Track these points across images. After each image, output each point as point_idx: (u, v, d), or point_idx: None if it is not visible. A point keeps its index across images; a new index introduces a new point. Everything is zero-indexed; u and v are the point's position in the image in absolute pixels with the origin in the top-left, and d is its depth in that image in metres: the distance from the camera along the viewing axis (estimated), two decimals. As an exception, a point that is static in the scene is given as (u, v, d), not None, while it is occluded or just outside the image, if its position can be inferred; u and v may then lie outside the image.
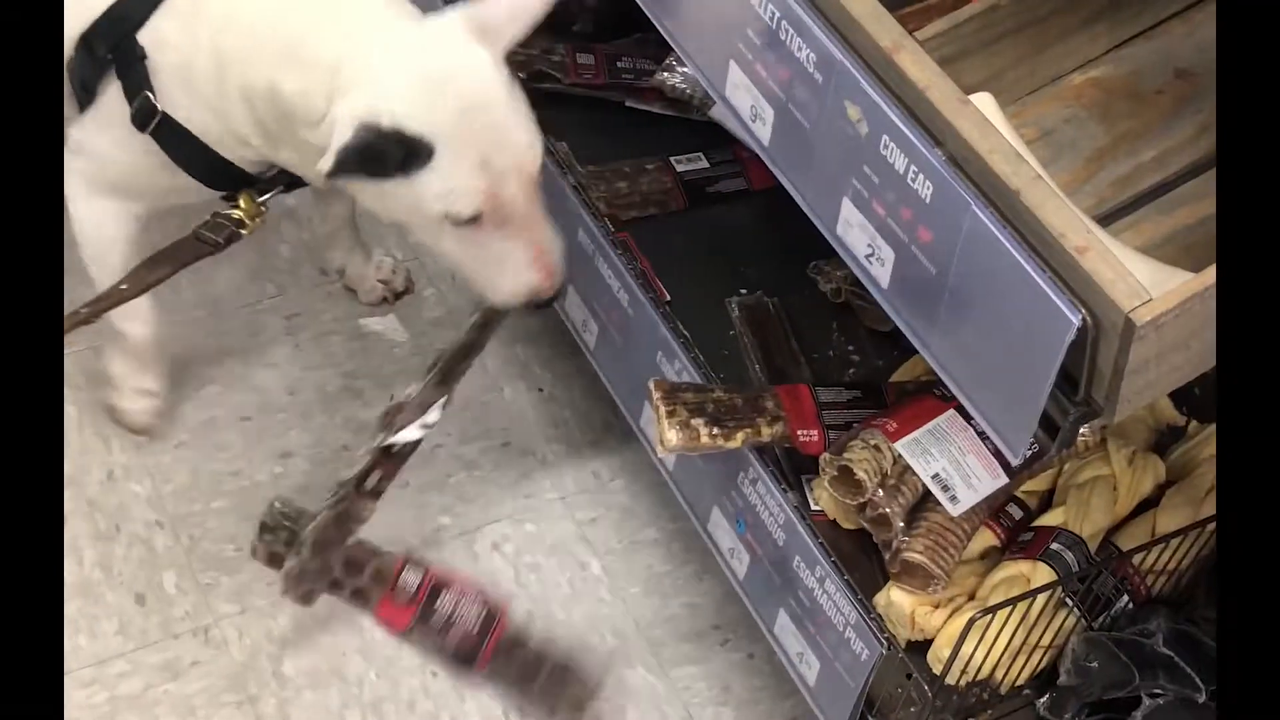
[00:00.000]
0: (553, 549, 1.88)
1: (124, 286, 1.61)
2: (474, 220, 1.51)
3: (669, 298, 1.77)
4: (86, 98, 1.60)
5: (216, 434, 1.89)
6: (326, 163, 1.44)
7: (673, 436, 1.51)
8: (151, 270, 1.62)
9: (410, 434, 1.68)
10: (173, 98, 1.55)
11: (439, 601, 1.64)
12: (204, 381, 1.95)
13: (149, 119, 1.56)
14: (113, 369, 1.86)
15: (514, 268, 1.57)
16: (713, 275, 1.84)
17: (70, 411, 1.89)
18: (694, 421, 1.52)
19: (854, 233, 1.28)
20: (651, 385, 1.53)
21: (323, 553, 1.63)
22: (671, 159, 1.96)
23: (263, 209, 1.65)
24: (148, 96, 1.54)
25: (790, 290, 1.83)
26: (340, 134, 1.44)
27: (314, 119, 1.48)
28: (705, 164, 1.96)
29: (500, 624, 1.65)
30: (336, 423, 1.95)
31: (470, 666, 1.64)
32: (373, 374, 2.01)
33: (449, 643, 1.63)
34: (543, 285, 1.58)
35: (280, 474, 1.88)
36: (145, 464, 1.85)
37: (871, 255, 1.27)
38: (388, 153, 1.45)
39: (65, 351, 1.92)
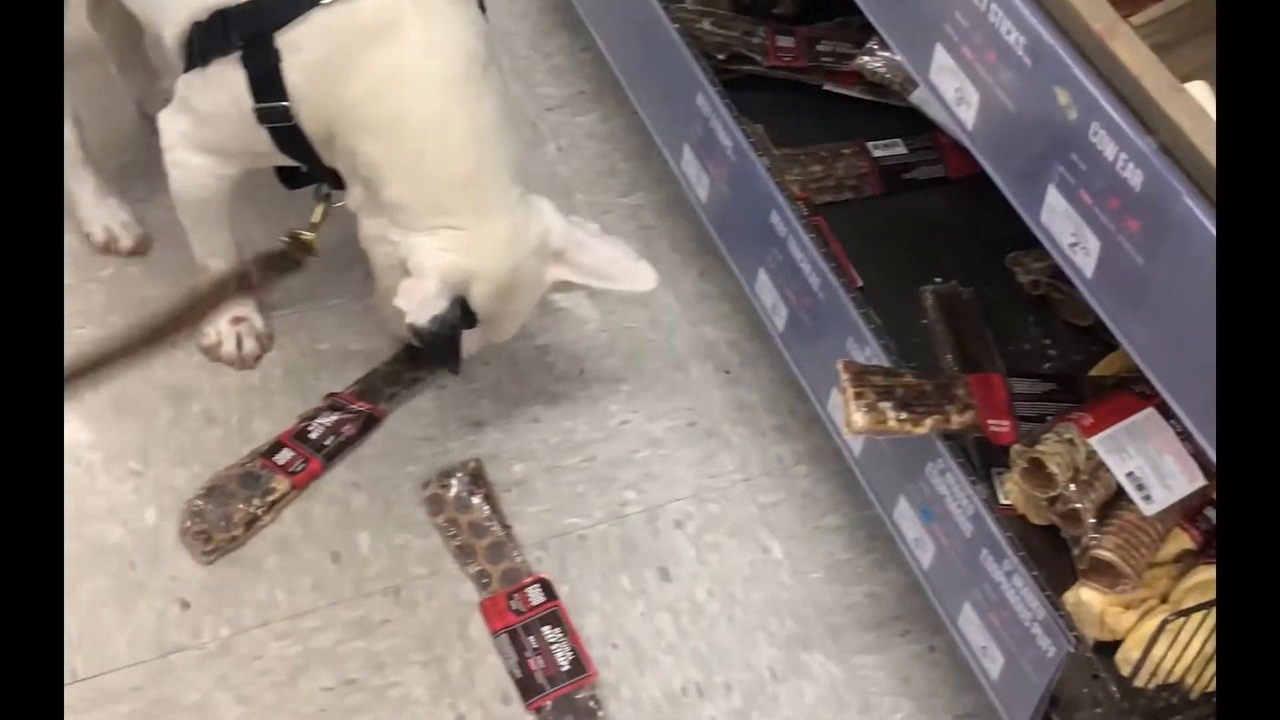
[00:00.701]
0: (734, 530, 1.89)
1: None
2: None
3: (861, 284, 1.76)
4: (200, 63, 1.65)
5: (414, 400, 1.94)
6: (411, 315, 1.63)
7: (859, 419, 1.50)
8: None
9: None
10: (293, 98, 1.61)
11: (545, 629, 1.71)
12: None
13: (275, 121, 1.63)
14: None
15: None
16: (907, 263, 1.82)
17: (275, 373, 1.96)
18: (881, 405, 1.51)
19: (1058, 221, 1.26)
20: (840, 366, 1.53)
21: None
22: (868, 144, 1.95)
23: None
24: (286, 109, 1.61)
25: (986, 281, 1.80)
26: (424, 286, 1.62)
27: (399, 215, 1.64)
28: (903, 150, 1.95)
29: (583, 681, 1.69)
30: (528, 395, 1.98)
31: (532, 697, 1.68)
32: (564, 349, 2.04)
33: (528, 666, 1.70)
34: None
35: (472, 441, 1.92)
36: (289, 405, 1.91)
37: (1075, 244, 1.24)
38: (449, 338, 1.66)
39: (275, 314, 2.01)
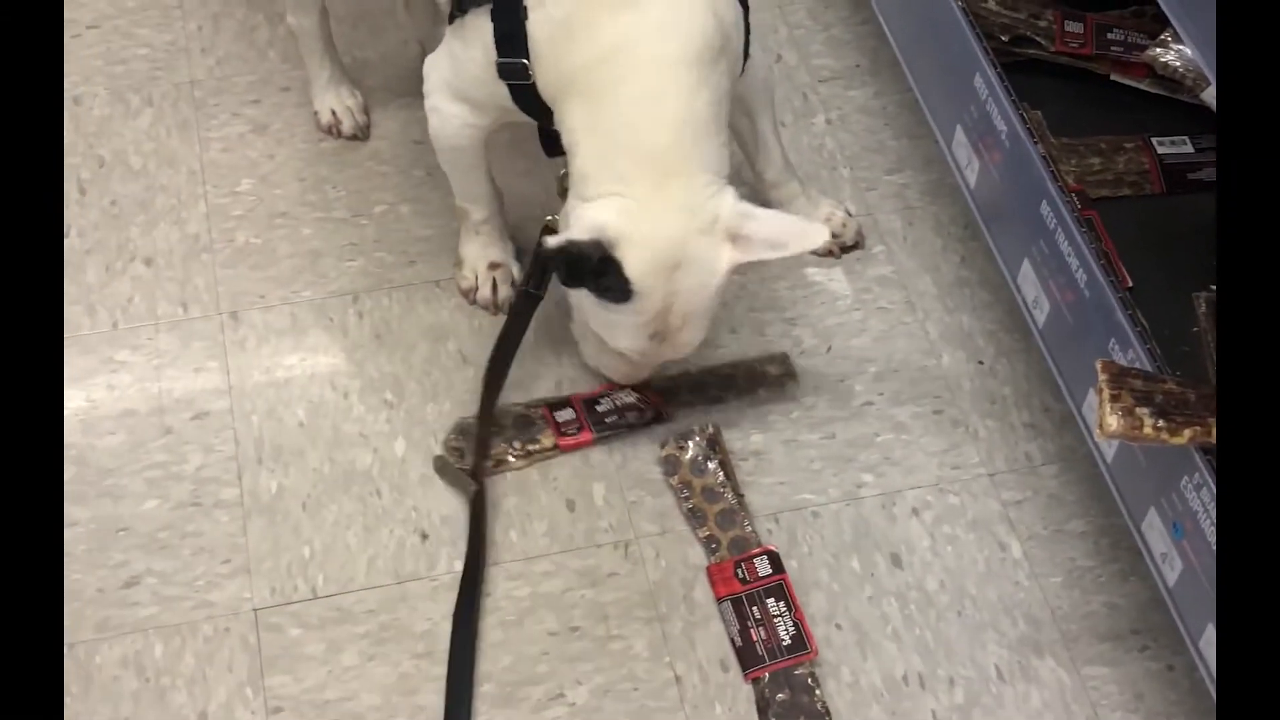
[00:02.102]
0: (973, 524, 1.85)
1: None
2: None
3: (1131, 284, 1.69)
4: (460, 12, 1.69)
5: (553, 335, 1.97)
6: (560, 235, 1.61)
7: (1114, 422, 1.44)
8: (496, 371, 1.85)
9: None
10: (533, 55, 1.63)
11: (770, 601, 1.71)
12: (541, 340, 1.99)
13: (514, 78, 1.65)
14: (462, 250, 1.99)
15: (608, 366, 1.84)
16: (1183, 267, 1.74)
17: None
18: (1139, 410, 1.45)
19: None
20: (1099, 365, 1.47)
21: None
22: (1153, 140, 1.87)
23: None
24: (525, 65, 1.63)
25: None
26: (578, 223, 1.59)
27: (578, 184, 1.63)
28: (1190, 149, 1.87)
29: (803, 658, 1.68)
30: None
31: (751, 667, 1.67)
32: (813, 323, 2.03)
33: (750, 635, 1.69)
34: (620, 381, 1.87)
35: (713, 408, 1.92)
36: (589, 378, 1.94)
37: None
38: (594, 269, 1.59)
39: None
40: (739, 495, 1.82)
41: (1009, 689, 1.71)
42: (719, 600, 1.73)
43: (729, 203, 1.61)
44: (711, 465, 1.83)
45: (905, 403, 1.96)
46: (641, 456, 1.87)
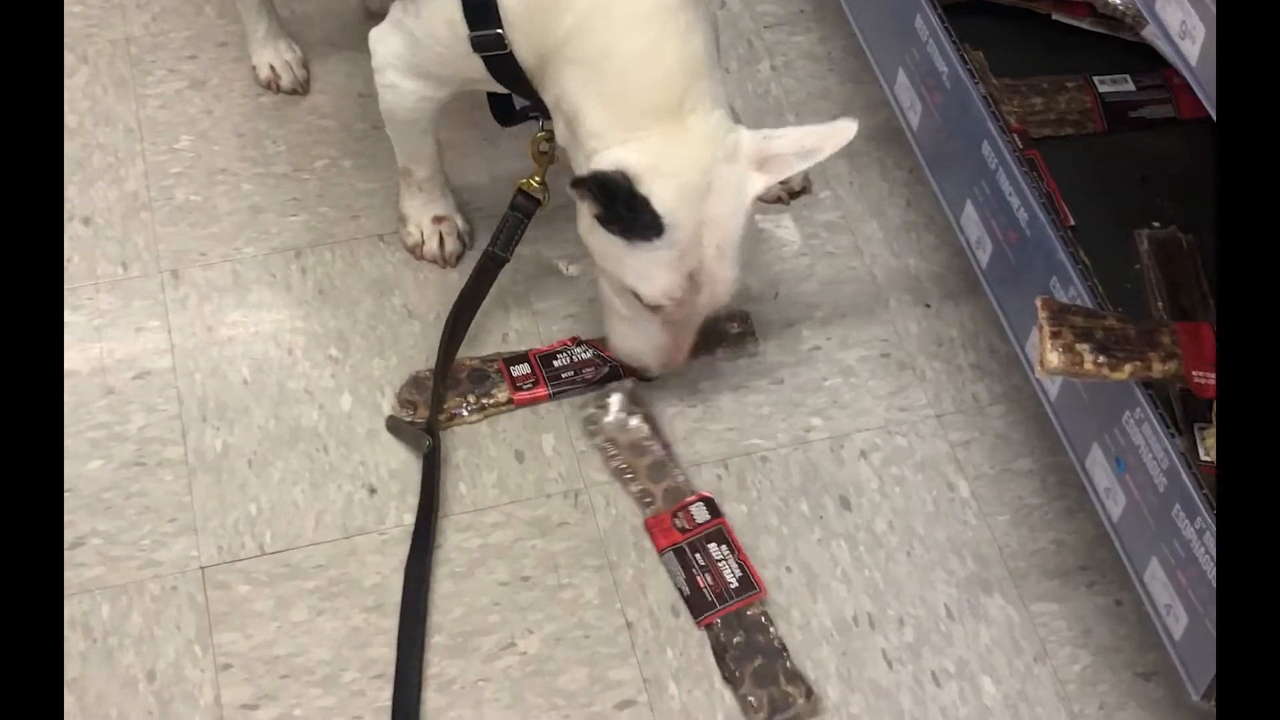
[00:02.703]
0: (921, 465, 1.85)
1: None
2: (652, 307, 1.65)
3: (1073, 223, 1.69)
4: None
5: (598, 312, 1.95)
6: (580, 172, 1.57)
7: (1054, 359, 1.44)
8: (457, 329, 1.83)
9: None
10: (507, 24, 1.60)
11: (711, 546, 1.70)
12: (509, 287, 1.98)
13: (489, 49, 1.62)
14: (404, 207, 1.97)
15: (645, 346, 1.74)
16: (1124, 205, 1.75)
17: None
18: (1079, 346, 1.45)
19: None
20: (1039, 303, 1.47)
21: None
22: (1095, 78, 1.87)
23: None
24: (499, 36, 1.60)
25: (1208, 229, 1.71)
26: (601, 163, 1.56)
27: (592, 142, 1.59)
28: (1131, 87, 1.87)
29: (752, 598, 1.68)
30: (721, 314, 1.97)
31: (702, 614, 1.68)
32: (761, 270, 2.02)
33: (696, 582, 1.69)
34: (653, 370, 1.79)
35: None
36: (539, 330, 1.93)
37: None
38: (625, 203, 1.55)
39: (478, 215, 2.03)
40: (666, 445, 1.81)
41: (958, 627, 1.72)
42: (661, 552, 1.73)
43: (747, 131, 1.60)
44: (635, 421, 1.82)
45: (853, 346, 1.96)
46: (591, 406, 1.87)
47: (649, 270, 1.61)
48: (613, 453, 1.80)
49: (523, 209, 1.81)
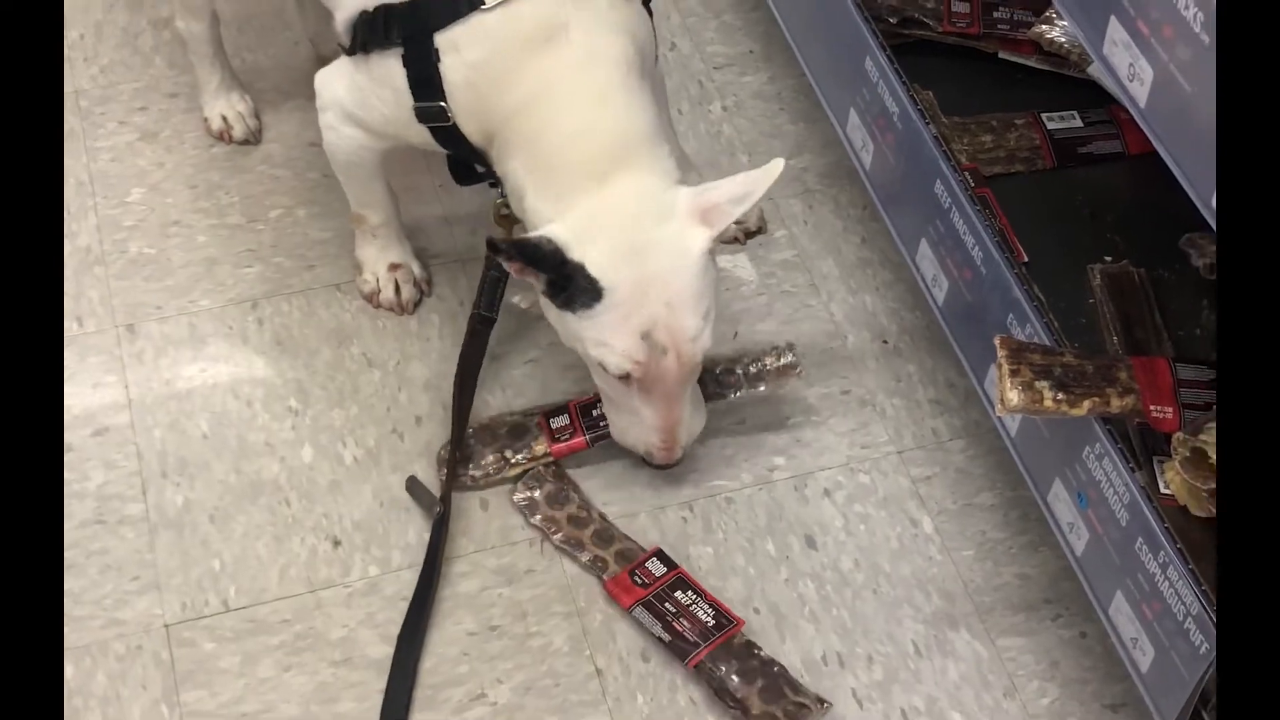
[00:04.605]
0: (884, 502, 1.86)
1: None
2: (624, 379, 1.62)
3: (1026, 259, 1.71)
4: (362, 51, 1.67)
5: (562, 355, 1.94)
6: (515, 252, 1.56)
7: (1014, 397, 1.46)
8: (463, 397, 1.82)
9: None
10: (451, 100, 1.62)
11: (678, 594, 1.71)
12: (531, 347, 1.99)
13: (434, 120, 1.64)
14: (359, 255, 1.97)
15: (641, 428, 1.70)
16: (1076, 240, 1.77)
17: (433, 319, 1.99)
18: (1039, 384, 1.47)
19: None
20: (998, 342, 1.49)
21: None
22: (1043, 115, 1.89)
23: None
24: (443, 109, 1.62)
25: (1159, 263, 1.74)
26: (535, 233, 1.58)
27: (532, 218, 1.62)
28: (1078, 123, 1.89)
29: (733, 631, 1.69)
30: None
31: (688, 655, 1.67)
32: (719, 310, 2.02)
33: (674, 627, 1.68)
34: (659, 456, 1.73)
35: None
36: (500, 378, 1.93)
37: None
38: (558, 272, 1.55)
39: (435, 261, 2.03)
40: (600, 514, 1.80)
41: (926, 664, 1.73)
42: (629, 609, 1.71)
43: (684, 188, 1.60)
44: (569, 492, 1.81)
45: (813, 384, 1.97)
46: (552, 451, 1.87)
47: (601, 336, 1.60)
48: (554, 530, 1.78)
49: (499, 267, 1.78)
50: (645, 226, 1.57)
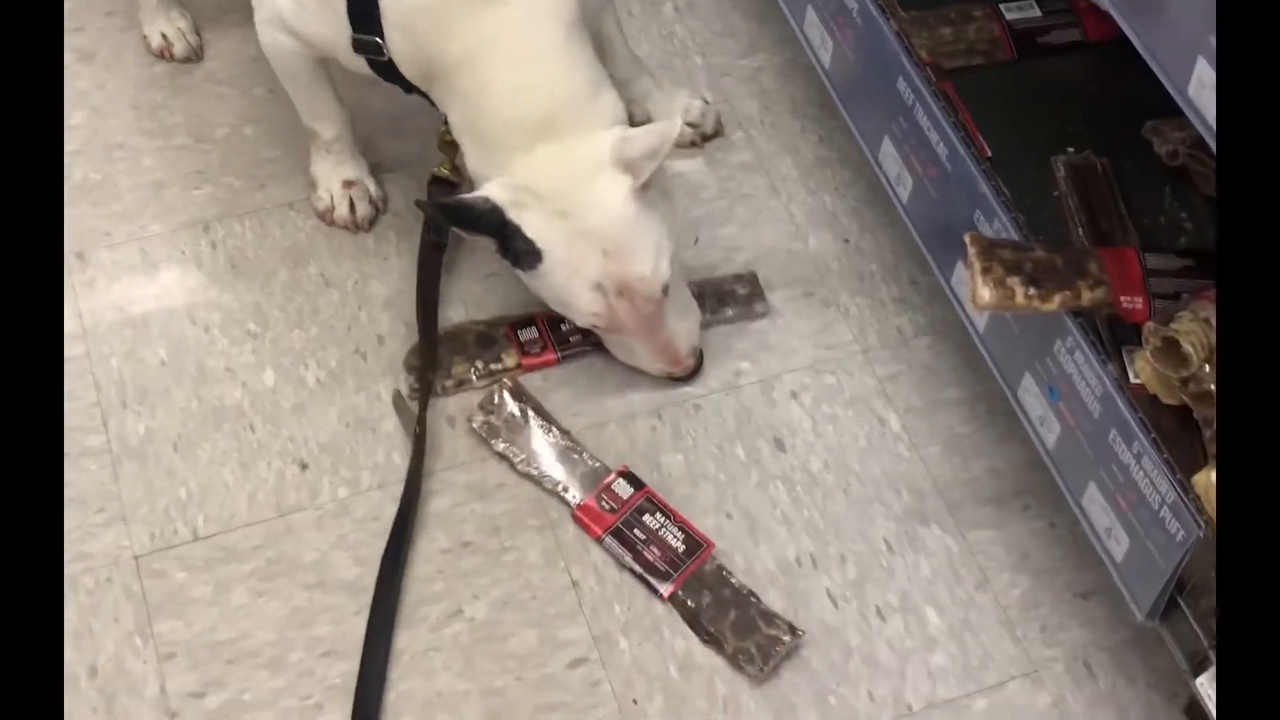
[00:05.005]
0: (851, 401, 1.86)
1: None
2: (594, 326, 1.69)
3: (990, 153, 1.70)
4: None
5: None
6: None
7: (986, 294, 1.45)
8: (427, 323, 1.81)
9: None
10: (389, 39, 1.61)
11: (646, 518, 1.69)
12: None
13: (371, 53, 1.63)
14: (313, 171, 1.94)
15: (643, 358, 1.78)
16: (1038, 132, 1.75)
17: (390, 235, 1.95)
18: (1010, 280, 1.46)
19: (1208, 95, 1.19)
20: (968, 239, 1.48)
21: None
22: (1000, 6, 1.86)
23: None
24: (379, 44, 1.61)
25: (1122, 151, 1.73)
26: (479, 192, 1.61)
27: (472, 172, 1.66)
28: (1037, 12, 1.86)
29: (704, 556, 1.68)
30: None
31: (661, 584, 1.67)
32: (679, 216, 2.00)
33: (644, 557, 1.68)
34: (673, 370, 1.79)
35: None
36: (460, 293, 1.91)
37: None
38: (500, 233, 1.60)
39: (389, 176, 1.99)
40: (565, 431, 1.78)
41: (899, 560, 1.74)
42: (598, 540, 1.70)
43: (612, 136, 1.60)
44: (530, 415, 1.78)
45: (776, 288, 1.96)
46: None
47: (557, 294, 1.66)
48: (518, 456, 1.76)
49: (443, 192, 1.80)
50: (576, 183, 1.60)
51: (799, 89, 2.15)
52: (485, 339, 1.83)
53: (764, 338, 1.91)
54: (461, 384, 1.80)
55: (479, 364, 1.81)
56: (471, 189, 1.66)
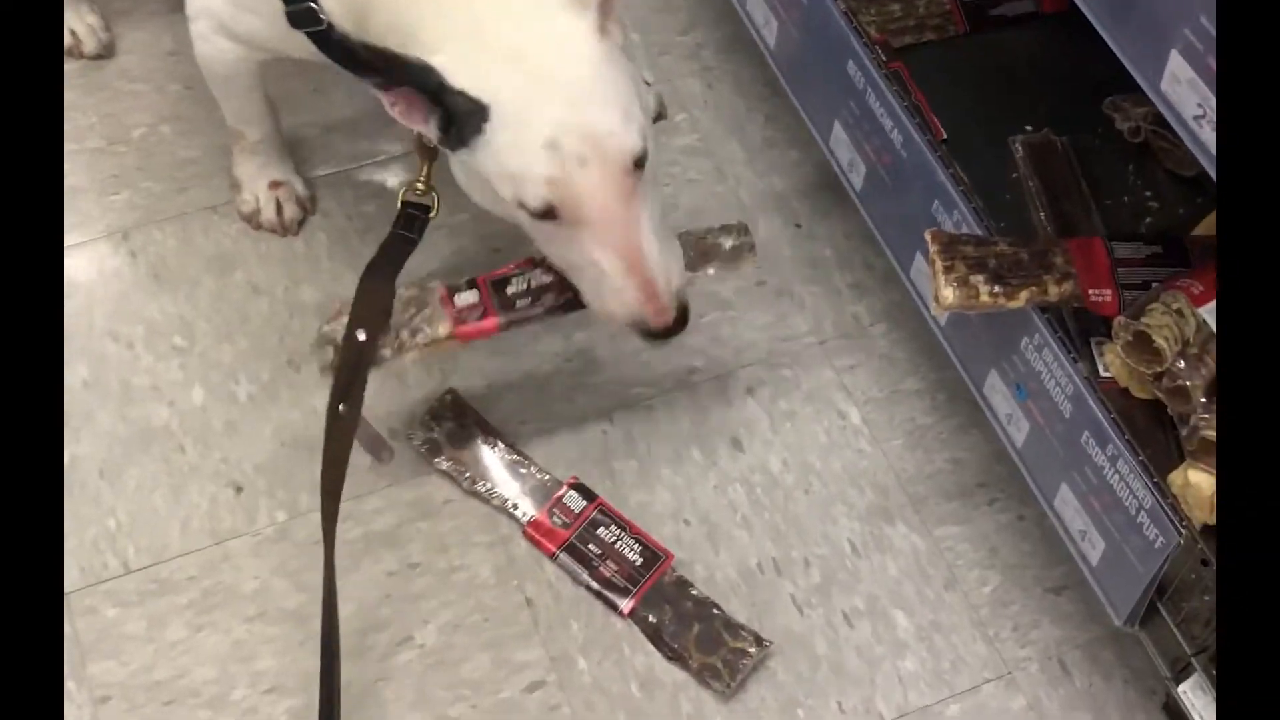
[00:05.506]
0: (810, 396, 1.79)
1: (362, 333, 1.49)
2: (552, 216, 1.37)
3: (945, 135, 1.63)
4: None
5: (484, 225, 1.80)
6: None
7: (949, 294, 1.39)
8: (373, 284, 1.53)
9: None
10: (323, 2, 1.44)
11: (600, 531, 1.61)
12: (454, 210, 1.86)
13: (308, 23, 1.43)
14: (237, 173, 1.83)
15: (612, 289, 1.42)
16: (995, 109, 1.68)
17: (320, 237, 1.86)
18: (974, 278, 1.40)
19: (1181, 90, 1.12)
20: (929, 236, 1.41)
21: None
22: (951, -24, 1.79)
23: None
24: (313, 9, 1.42)
25: (1081, 127, 1.67)
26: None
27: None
28: (989, -17, 1.79)
29: (662, 568, 1.61)
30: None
31: (620, 599, 1.60)
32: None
33: (601, 573, 1.60)
34: (650, 315, 1.43)
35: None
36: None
37: (1201, 117, 1.11)
38: (440, 101, 1.34)
39: (317, 174, 1.90)
40: (511, 444, 1.69)
41: (864, 562, 1.68)
42: (553, 558, 1.63)
43: None
44: (472, 426, 1.68)
45: (727, 278, 1.87)
46: (463, 369, 1.76)
47: (501, 164, 1.36)
48: (465, 472, 1.66)
49: (410, 228, 1.55)
50: (528, 21, 1.35)
51: (743, 66, 2.06)
52: (416, 302, 1.54)
53: (717, 331, 1.84)
54: (381, 359, 1.52)
55: (403, 334, 1.51)
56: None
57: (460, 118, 1.36)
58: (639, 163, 1.37)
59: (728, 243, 1.64)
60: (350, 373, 1.49)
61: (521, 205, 1.38)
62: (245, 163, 1.82)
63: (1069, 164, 1.64)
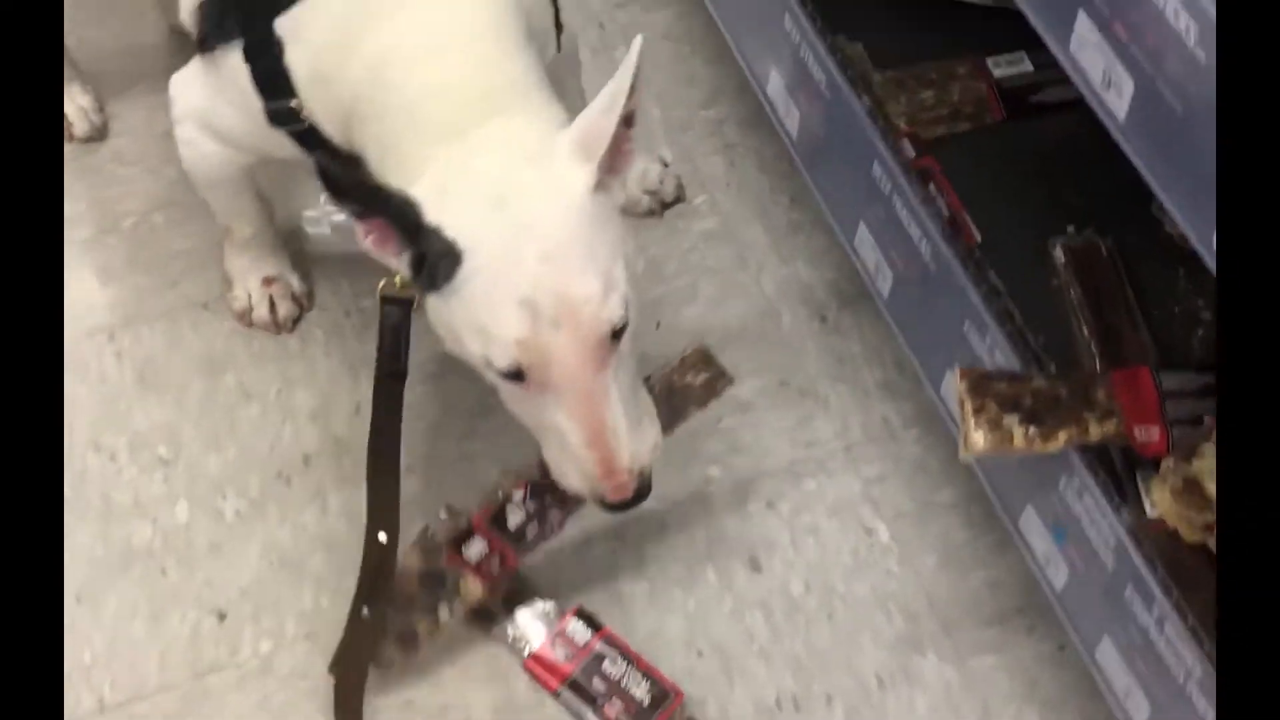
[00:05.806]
0: (834, 509, 1.67)
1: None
2: (519, 377, 1.27)
3: (979, 239, 1.50)
4: (207, 49, 1.43)
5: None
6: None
7: (979, 439, 1.27)
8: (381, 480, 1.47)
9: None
10: (302, 94, 1.37)
11: (605, 665, 1.50)
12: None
13: (289, 123, 1.37)
14: (229, 268, 1.75)
15: (573, 458, 1.33)
16: (1034, 207, 1.56)
17: (316, 334, 1.77)
18: (1006, 420, 1.28)
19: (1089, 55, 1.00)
20: (957, 374, 1.29)
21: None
22: (988, 60, 1.66)
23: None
24: (293, 109, 1.36)
25: (1127, 228, 1.54)
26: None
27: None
28: (1029, 66, 1.67)
29: (672, 708, 1.50)
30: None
31: None
32: (639, 295, 1.81)
33: (606, 714, 1.49)
34: (606, 488, 1.34)
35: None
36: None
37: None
38: (414, 238, 1.24)
39: (312, 269, 1.80)
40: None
41: (891, 696, 1.56)
42: (554, 694, 1.52)
43: (564, 132, 1.27)
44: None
45: (747, 376, 1.76)
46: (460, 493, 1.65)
47: (478, 317, 1.26)
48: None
49: (395, 316, 1.44)
50: (514, 170, 1.26)
51: (766, 142, 1.94)
52: (433, 578, 1.49)
53: (735, 437, 1.72)
54: (412, 640, 1.49)
55: (440, 611, 1.48)
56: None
57: (433, 259, 1.25)
58: (616, 333, 1.27)
59: (697, 379, 1.55)
60: (372, 576, 1.44)
61: (489, 363, 1.28)
62: (237, 258, 1.73)
63: (1114, 270, 1.52)
